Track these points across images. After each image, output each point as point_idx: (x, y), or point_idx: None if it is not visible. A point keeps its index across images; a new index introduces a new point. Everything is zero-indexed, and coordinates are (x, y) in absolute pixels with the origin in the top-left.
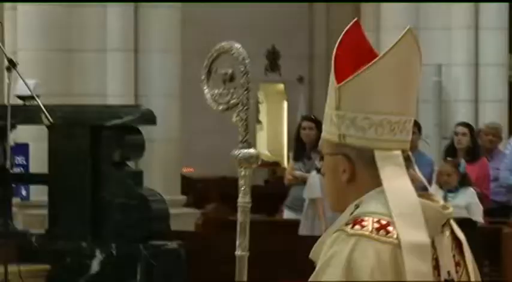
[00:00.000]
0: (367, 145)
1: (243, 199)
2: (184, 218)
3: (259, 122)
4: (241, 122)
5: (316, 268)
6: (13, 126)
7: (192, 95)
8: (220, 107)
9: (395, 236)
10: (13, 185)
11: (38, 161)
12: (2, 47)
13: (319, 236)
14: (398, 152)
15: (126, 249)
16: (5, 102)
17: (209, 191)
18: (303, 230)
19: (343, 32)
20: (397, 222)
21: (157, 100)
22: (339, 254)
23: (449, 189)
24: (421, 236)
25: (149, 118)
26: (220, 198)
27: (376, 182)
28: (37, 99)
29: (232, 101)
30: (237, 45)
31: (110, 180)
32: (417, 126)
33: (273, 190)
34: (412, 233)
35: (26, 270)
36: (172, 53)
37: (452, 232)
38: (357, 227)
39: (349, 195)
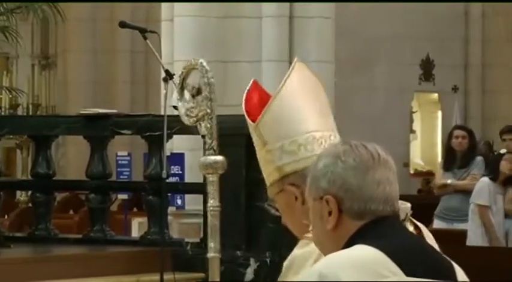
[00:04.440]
0: (305, 165)
1: (213, 203)
2: None
3: (412, 131)
4: (208, 130)
5: None
6: (169, 136)
7: (346, 105)
8: (191, 120)
9: None
10: (169, 195)
11: (193, 171)
12: (158, 58)
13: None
14: None
15: (280, 259)
16: (162, 112)
17: None
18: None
19: (245, 92)
20: None
21: None
22: None
23: None
24: None
25: None
26: None
27: None
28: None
29: (200, 113)
30: (201, 60)
31: (264, 190)
32: None
33: (425, 200)
34: None
35: (181, 278)
36: (327, 63)
37: (416, 227)
38: None
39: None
